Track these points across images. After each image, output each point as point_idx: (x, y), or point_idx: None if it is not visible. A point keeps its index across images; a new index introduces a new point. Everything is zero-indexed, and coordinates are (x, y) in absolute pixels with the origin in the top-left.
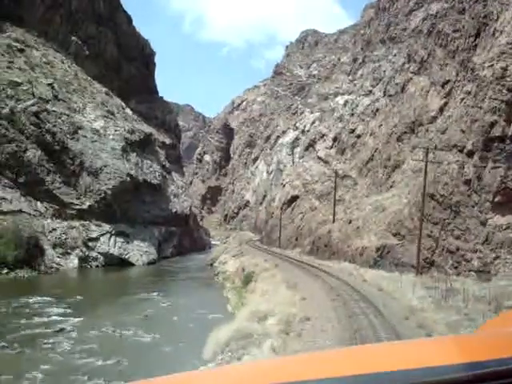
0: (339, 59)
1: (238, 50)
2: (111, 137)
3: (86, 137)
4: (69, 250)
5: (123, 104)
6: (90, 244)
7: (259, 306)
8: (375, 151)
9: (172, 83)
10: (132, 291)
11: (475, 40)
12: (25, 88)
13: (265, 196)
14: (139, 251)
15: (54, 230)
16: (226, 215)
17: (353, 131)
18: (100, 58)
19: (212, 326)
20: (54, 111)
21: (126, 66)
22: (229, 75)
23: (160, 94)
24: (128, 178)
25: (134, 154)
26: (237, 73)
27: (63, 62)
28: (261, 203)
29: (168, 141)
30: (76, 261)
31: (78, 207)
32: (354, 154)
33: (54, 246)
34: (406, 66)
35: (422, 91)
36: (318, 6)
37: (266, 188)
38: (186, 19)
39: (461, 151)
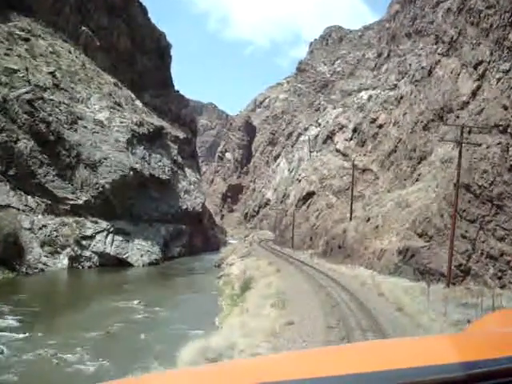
0: (364, 55)
1: (263, 48)
2: (116, 128)
3: (86, 127)
4: (58, 249)
5: (133, 95)
6: (84, 242)
7: (217, 338)
8: (399, 142)
9: (196, 82)
10: (111, 297)
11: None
12: (21, 75)
13: (285, 194)
14: (140, 251)
15: (45, 226)
16: (247, 214)
17: (374, 121)
18: (112, 50)
19: (184, 347)
20: (51, 100)
21: (140, 59)
22: (253, 74)
23: (185, 94)
24: (131, 172)
25: (142, 147)
26: (261, 71)
27: (70, 52)
28: (281, 201)
29: (182, 135)
30: (66, 261)
31: (72, 202)
32: (375, 145)
33: (43, 245)
34: (434, 47)
35: (452, 74)
36: (343, 3)
37: (287, 186)
38: (211, 18)
39: (503, 131)
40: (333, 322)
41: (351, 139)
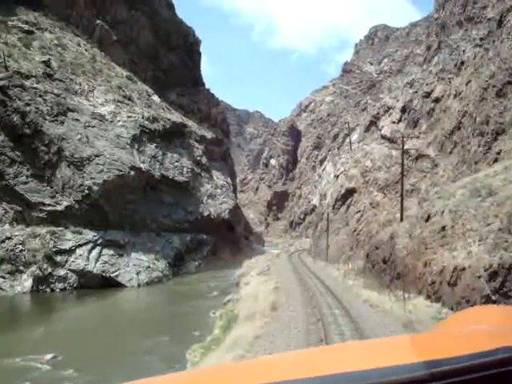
0: (412, 51)
1: (309, 55)
2: (120, 123)
3: (77, 120)
4: (21, 267)
5: (150, 90)
6: (58, 258)
7: None
8: (463, 116)
9: (242, 91)
10: (21, 347)
11: None
12: None
13: (324, 194)
14: (137, 267)
15: (9, 239)
16: (292, 221)
17: (429, 95)
18: (131, 45)
19: None
20: (34, 88)
21: (165, 55)
22: (300, 81)
23: (232, 103)
24: (132, 172)
25: (153, 144)
26: (308, 78)
27: (80, 45)
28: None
29: (210, 135)
30: (29, 282)
31: (49, 208)
32: (431, 124)
33: (1, 262)
34: None
35: None
36: (389, 6)
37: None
38: (255, 28)
39: None
40: None
41: (400, 121)
